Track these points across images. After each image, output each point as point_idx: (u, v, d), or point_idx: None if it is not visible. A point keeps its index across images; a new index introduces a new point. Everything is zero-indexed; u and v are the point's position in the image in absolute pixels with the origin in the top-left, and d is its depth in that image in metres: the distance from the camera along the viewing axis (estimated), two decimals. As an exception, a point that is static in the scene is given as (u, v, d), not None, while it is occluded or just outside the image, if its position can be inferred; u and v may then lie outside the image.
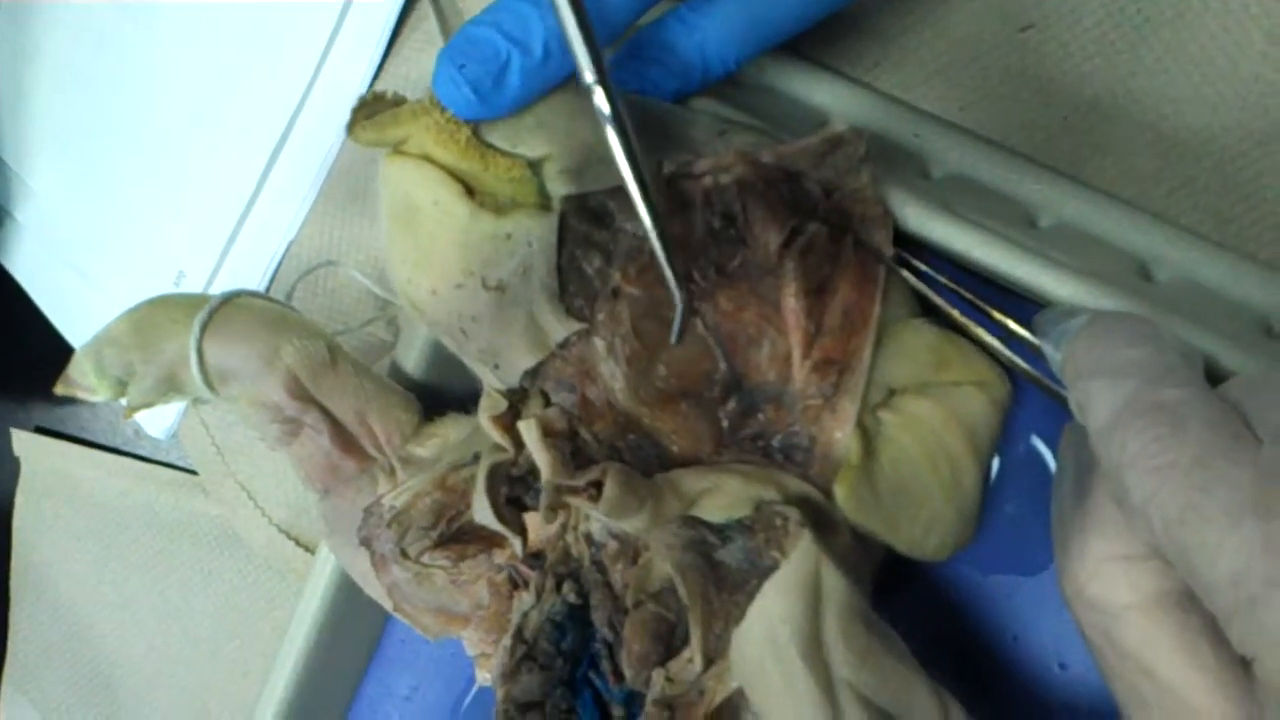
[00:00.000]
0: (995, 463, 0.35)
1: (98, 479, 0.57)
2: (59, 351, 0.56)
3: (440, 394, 0.41)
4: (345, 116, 0.45)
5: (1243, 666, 0.25)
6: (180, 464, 0.55)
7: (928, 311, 0.33)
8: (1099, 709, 0.34)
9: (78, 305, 0.55)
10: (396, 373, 0.42)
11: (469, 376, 0.40)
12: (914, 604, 0.35)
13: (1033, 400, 0.34)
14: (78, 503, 0.58)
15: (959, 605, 0.36)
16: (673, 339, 0.30)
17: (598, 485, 0.28)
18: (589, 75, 0.27)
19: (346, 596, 0.43)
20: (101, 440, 0.58)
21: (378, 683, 0.46)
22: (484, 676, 0.40)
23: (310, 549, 0.50)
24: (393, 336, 0.47)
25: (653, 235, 0.29)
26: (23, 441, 0.60)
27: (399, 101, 0.31)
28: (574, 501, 0.29)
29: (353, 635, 0.45)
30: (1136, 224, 0.33)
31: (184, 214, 0.51)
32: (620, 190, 0.30)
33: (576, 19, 0.27)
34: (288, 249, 0.49)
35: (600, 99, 0.28)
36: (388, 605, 0.40)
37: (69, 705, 0.60)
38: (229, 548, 0.53)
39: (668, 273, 0.29)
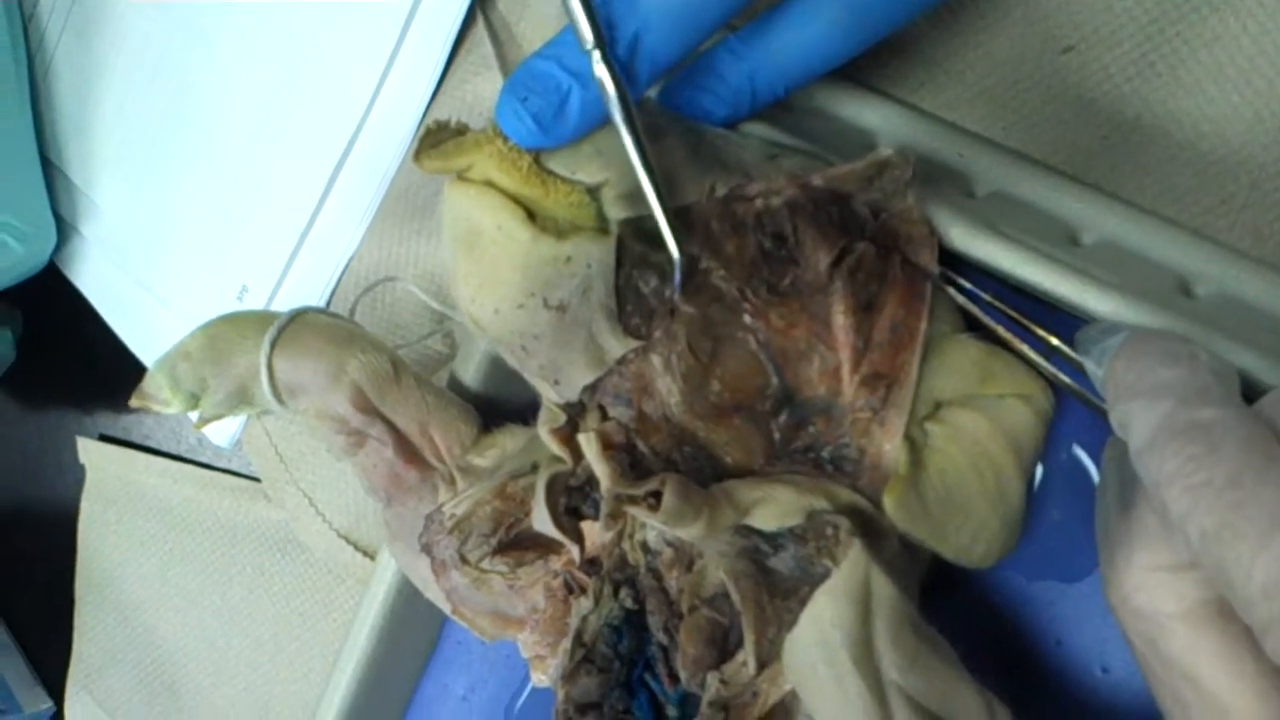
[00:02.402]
0: (1039, 471, 0.36)
1: (161, 485, 0.59)
2: (123, 363, 0.58)
3: (497, 405, 0.42)
4: (404, 136, 0.47)
5: (1280, 675, 0.26)
6: (242, 471, 0.57)
7: (972, 327, 0.34)
8: (1141, 713, 0.35)
9: (142, 319, 0.57)
10: (455, 385, 0.43)
11: (525, 388, 0.42)
12: (960, 609, 0.36)
13: (1074, 410, 0.35)
14: (142, 509, 0.60)
15: (1004, 610, 0.36)
16: (675, 294, 0.32)
17: (656, 495, 0.30)
18: (588, 44, 0.29)
19: (406, 600, 0.45)
20: (165, 448, 0.60)
21: (435, 683, 0.48)
22: (539, 678, 0.41)
23: (369, 554, 0.52)
24: (450, 349, 0.49)
25: (653, 200, 0.31)
26: (88, 449, 0.62)
27: (462, 130, 0.33)
28: (633, 511, 0.30)
29: (412, 637, 0.46)
30: (1176, 240, 0.34)
31: (246, 230, 0.53)
32: (674, 214, 0.32)
33: None
34: (348, 264, 0.51)
35: (599, 64, 0.30)
36: (446, 608, 0.41)
37: (133, 705, 0.62)
38: (290, 552, 0.55)
39: (668, 234, 0.31)
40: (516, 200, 0.32)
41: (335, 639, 0.46)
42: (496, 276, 0.32)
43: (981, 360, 0.33)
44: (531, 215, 0.32)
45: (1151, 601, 0.27)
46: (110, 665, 0.62)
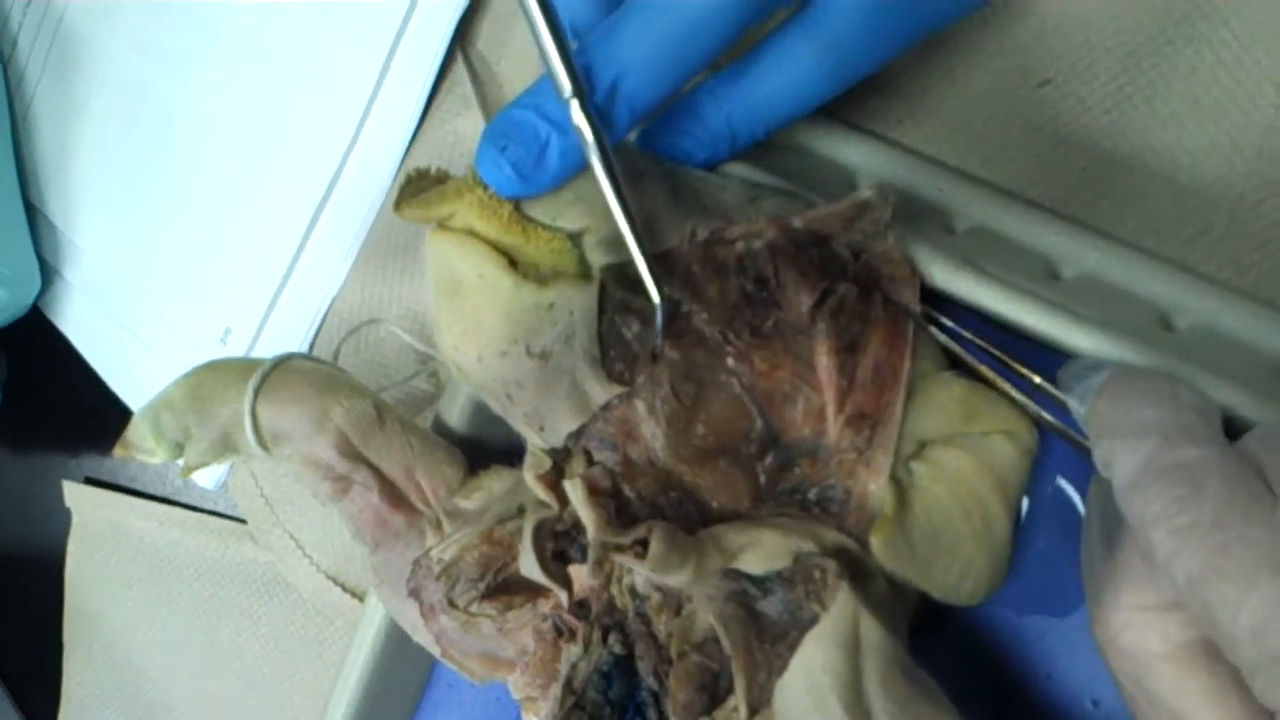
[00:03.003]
0: (1024, 505, 0.36)
1: (147, 528, 0.59)
2: (108, 405, 0.58)
3: (483, 446, 0.42)
4: (385, 176, 0.47)
5: (1268, 717, 0.26)
6: (228, 513, 0.57)
7: (955, 365, 0.34)
8: (1132, 746, 0.35)
9: (126, 361, 0.57)
10: (440, 426, 0.43)
11: (511, 429, 0.41)
12: (950, 645, 0.36)
13: (1058, 444, 0.35)
14: (128, 551, 0.60)
15: (993, 645, 0.36)
16: (658, 340, 0.32)
17: (643, 543, 0.30)
18: (566, 92, 0.30)
19: (396, 643, 0.45)
20: (151, 490, 0.60)
21: (425, 728, 0.48)
22: (530, 719, 0.41)
23: (356, 595, 0.51)
24: (435, 388, 0.49)
25: (633, 246, 0.31)
26: (74, 493, 0.61)
27: (443, 178, 0.33)
28: (620, 559, 0.30)
29: (401, 679, 0.46)
30: (1156, 273, 0.34)
31: (229, 272, 0.53)
32: (656, 259, 0.32)
33: (555, 40, 0.29)
34: (331, 305, 0.51)
35: (577, 114, 0.30)
36: (436, 652, 0.41)
37: (122, 750, 0.61)
38: (277, 594, 0.55)
39: (649, 282, 0.31)
40: (498, 248, 0.32)
41: (324, 680, 0.46)
42: (479, 324, 0.32)
43: (965, 398, 0.33)
44: (513, 263, 0.32)
45: (1138, 641, 0.27)
46: (100, 708, 0.62)
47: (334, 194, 0.50)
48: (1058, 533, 0.36)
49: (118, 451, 0.40)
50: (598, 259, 0.32)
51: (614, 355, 0.32)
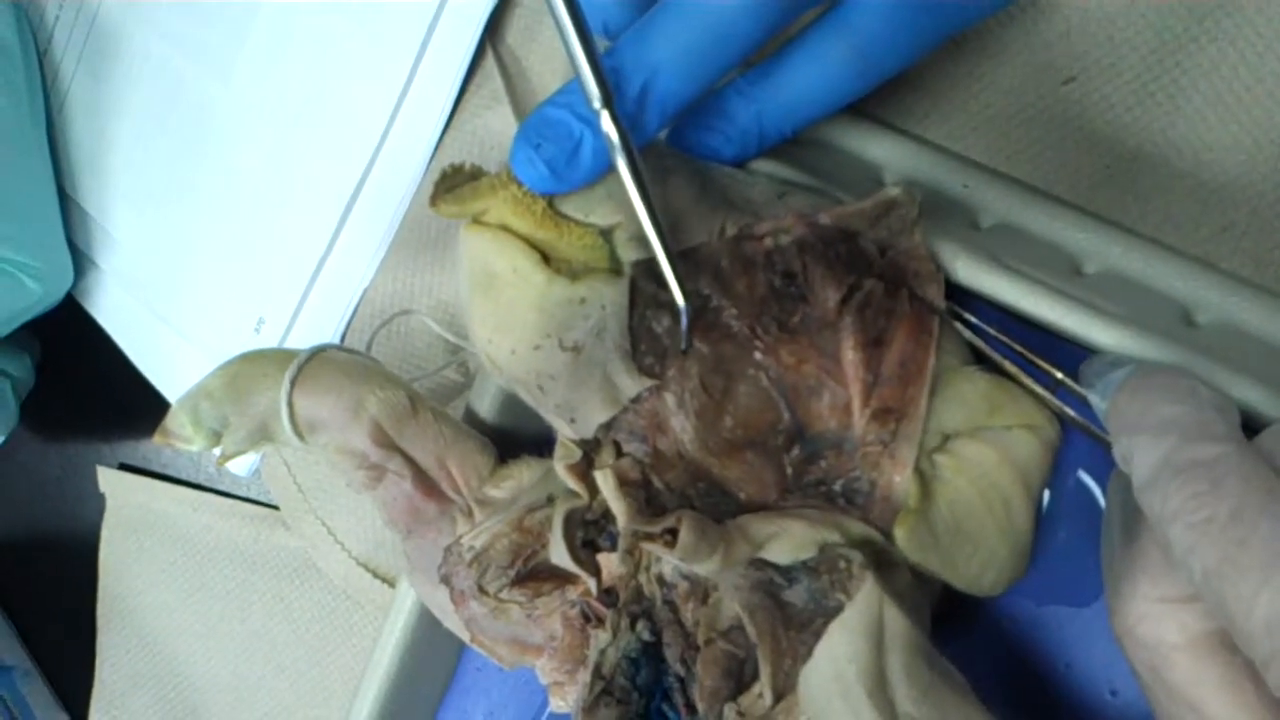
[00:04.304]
0: (1046, 498, 0.36)
1: (181, 514, 0.60)
2: (142, 393, 0.59)
3: (513, 436, 0.43)
4: (416, 169, 0.48)
5: (1284, 707, 0.26)
6: (261, 499, 0.58)
7: (979, 360, 0.35)
8: (1151, 735, 0.35)
9: (160, 350, 0.58)
10: (471, 416, 0.44)
11: (541, 419, 0.42)
12: (971, 635, 0.37)
13: (1080, 437, 0.35)
14: (162, 537, 0.61)
15: (1014, 635, 0.37)
16: (682, 345, 0.32)
17: (673, 532, 0.30)
18: (596, 101, 0.30)
19: (426, 628, 0.45)
20: (184, 477, 0.61)
21: (455, 709, 0.48)
22: (557, 704, 0.42)
23: (387, 581, 0.52)
24: (465, 378, 0.49)
25: (661, 255, 0.31)
26: (108, 478, 0.63)
27: (477, 174, 0.34)
28: (650, 547, 0.31)
29: (431, 664, 0.47)
30: (1178, 269, 0.35)
31: (263, 262, 0.54)
32: (684, 254, 0.32)
33: (584, 49, 0.29)
34: (363, 296, 0.52)
35: (607, 123, 0.30)
36: (465, 637, 0.42)
37: (153, 733, 0.63)
38: (309, 579, 0.56)
39: (674, 284, 0.32)
40: (531, 244, 0.33)
41: (355, 665, 0.47)
42: (513, 318, 0.33)
43: (989, 393, 0.34)
44: (546, 258, 0.33)
45: (1156, 632, 0.28)
46: (132, 691, 0.63)
47: (366, 186, 0.51)
48: (1078, 525, 0.36)
49: (156, 439, 0.41)
50: (629, 254, 0.33)
51: (644, 349, 0.33)
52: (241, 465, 0.56)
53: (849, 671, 0.29)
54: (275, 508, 0.56)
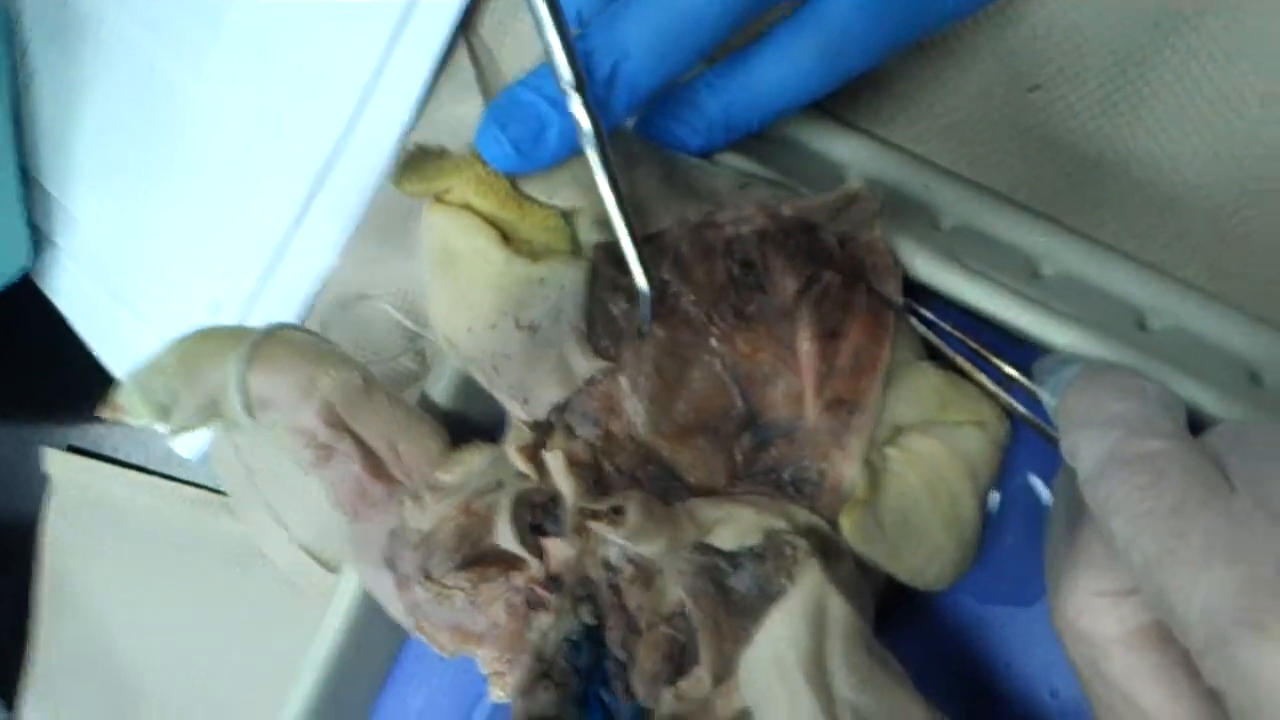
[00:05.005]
0: (995, 498, 0.36)
1: (128, 497, 0.59)
2: (93, 374, 0.58)
3: (466, 423, 0.43)
4: (384, 157, 0.48)
5: (1215, 698, 0.26)
6: (209, 484, 0.57)
7: (934, 356, 0.35)
8: (1089, 737, 0.35)
9: (115, 331, 0.57)
10: (425, 402, 0.43)
11: (494, 407, 0.42)
12: (913, 631, 0.37)
13: (1030, 440, 0.36)
14: (107, 520, 0.60)
15: (956, 633, 0.37)
16: (642, 329, 0.32)
17: (620, 510, 0.30)
18: (566, 83, 0.30)
19: (368, 614, 0.45)
20: (133, 460, 0.60)
21: (394, 696, 0.48)
22: (496, 694, 0.41)
23: (332, 568, 0.52)
24: (421, 367, 0.49)
25: (625, 239, 0.31)
26: (55, 460, 0.62)
27: (442, 154, 0.34)
28: (596, 526, 0.31)
29: (372, 651, 0.47)
30: (1133, 275, 0.35)
31: (223, 246, 0.53)
32: (646, 240, 0.32)
33: (557, 30, 0.29)
34: (323, 282, 0.51)
35: (576, 105, 0.30)
36: (408, 624, 0.42)
37: (92, 716, 0.61)
38: (254, 566, 0.55)
39: (637, 270, 0.32)
40: (493, 223, 0.33)
41: (297, 652, 0.46)
42: (471, 296, 0.33)
43: (941, 388, 0.34)
44: (507, 238, 0.33)
45: (1094, 625, 0.28)
46: (69, 676, 0.62)
47: (332, 174, 0.51)
48: (1025, 526, 0.36)
49: (103, 412, 0.40)
50: (590, 237, 0.33)
51: (600, 331, 0.33)
52: (189, 449, 0.55)
53: (789, 656, 0.29)
54: (223, 493, 0.56)
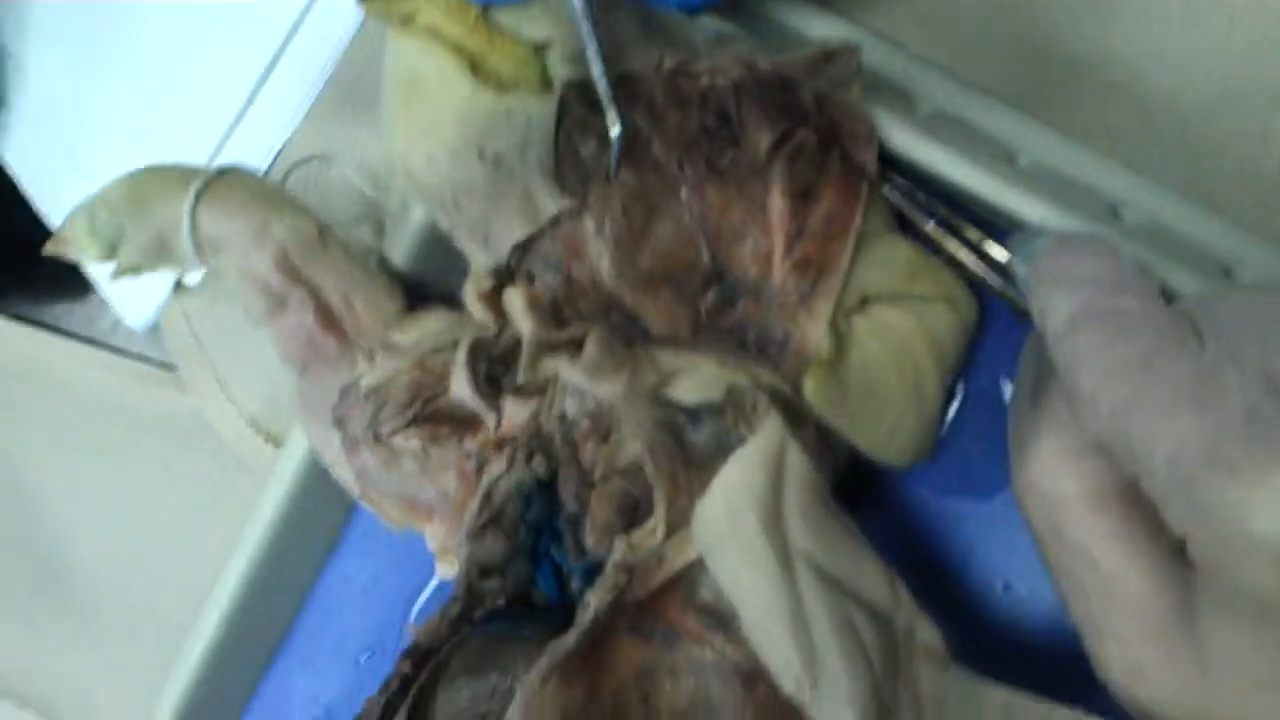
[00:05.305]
0: (960, 392, 0.36)
1: (69, 368, 0.57)
2: (42, 240, 0.56)
3: (423, 291, 0.42)
4: (349, 22, 0.47)
5: (1178, 557, 0.26)
6: (155, 358, 0.56)
7: (905, 229, 0.34)
8: (1038, 628, 0.35)
9: (66, 193, 0.55)
10: (383, 267, 0.42)
11: (453, 278, 0.41)
12: (867, 522, 0.36)
13: (1000, 341, 0.36)
14: (45, 391, 0.58)
15: (910, 525, 0.37)
16: (611, 171, 0.32)
17: (578, 345, 0.30)
18: None
19: (311, 486, 0.44)
20: (77, 331, 0.59)
21: (338, 573, 0.47)
22: (444, 570, 0.41)
23: (279, 444, 0.51)
24: (376, 240, 0.48)
25: (599, 76, 0.31)
26: (-3, 328, 0.60)
27: (413, -23, 0.32)
28: (554, 363, 0.30)
29: (315, 524, 0.46)
30: (1108, 170, 0.35)
31: (181, 109, 0.52)
32: (619, 81, 0.32)
33: None
34: (281, 150, 0.50)
35: None
36: (354, 490, 0.41)
37: (16, 592, 0.60)
38: (197, 443, 0.54)
39: (610, 109, 0.31)
40: (461, 50, 0.32)
41: (234, 532, 0.46)
42: (434, 124, 0.32)
43: (911, 259, 0.33)
44: (474, 67, 0.32)
45: (1055, 484, 0.27)
46: (-2, 549, 0.61)
47: (294, 39, 0.49)
48: (985, 423, 0.36)
49: (49, 248, 0.39)
50: (561, 72, 0.32)
51: (567, 171, 0.32)
52: (138, 318, 0.54)
53: (743, 503, 0.29)
54: (169, 368, 0.54)
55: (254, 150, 0.51)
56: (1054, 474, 0.27)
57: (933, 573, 0.37)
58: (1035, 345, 0.31)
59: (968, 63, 0.39)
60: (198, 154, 0.51)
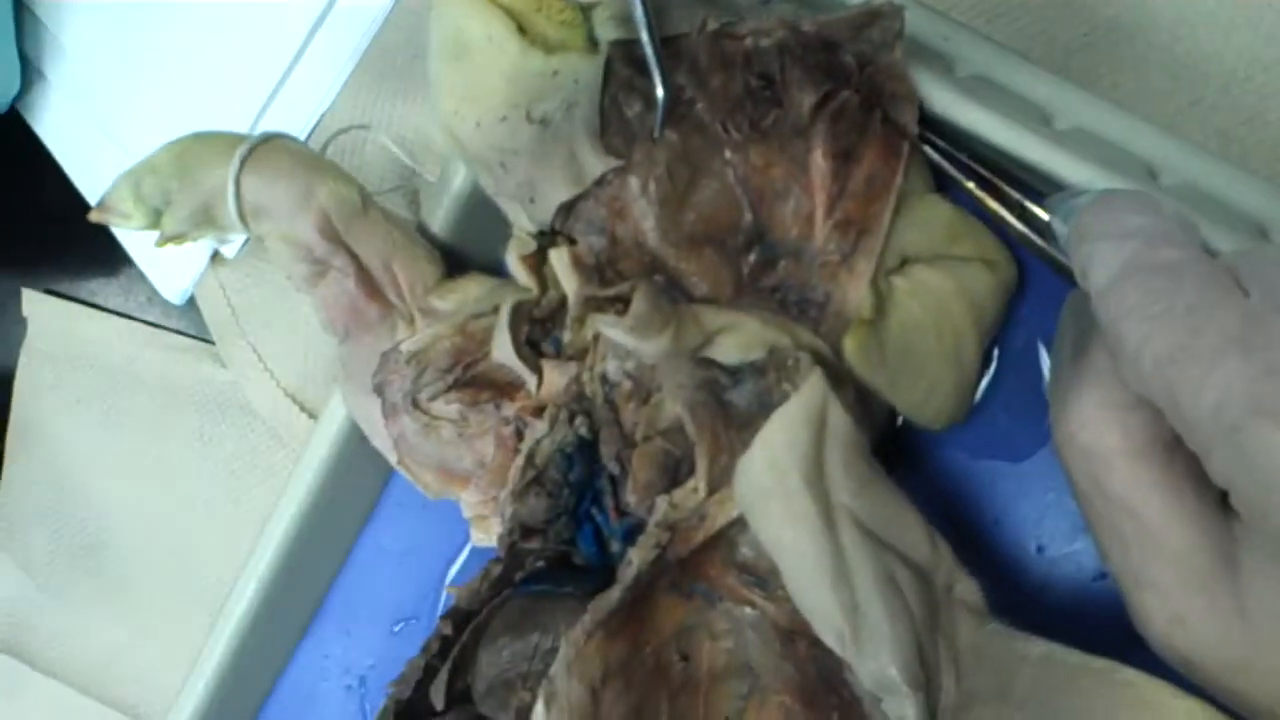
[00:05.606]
0: (996, 354, 0.36)
1: (106, 342, 0.58)
2: (77, 214, 0.57)
3: (462, 258, 0.42)
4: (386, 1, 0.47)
5: (1222, 509, 0.26)
6: (191, 332, 0.57)
7: (944, 191, 0.35)
8: (1072, 589, 0.36)
9: (103, 167, 0.56)
10: (422, 233, 0.43)
11: (490, 248, 0.42)
12: (903, 483, 0.37)
13: (1038, 303, 0.36)
14: (83, 365, 0.59)
15: (946, 486, 0.37)
16: (655, 132, 0.32)
17: (625, 302, 0.30)
18: None
19: (349, 454, 0.44)
20: (112, 306, 0.59)
21: (371, 544, 0.48)
22: (479, 537, 0.41)
23: (315, 416, 0.51)
24: (413, 213, 0.48)
25: (646, 37, 0.31)
26: (33, 301, 0.60)
27: (461, -60, 0.33)
28: (599, 320, 0.30)
29: (351, 494, 0.46)
30: (1147, 134, 0.35)
31: (218, 81, 0.52)
32: (664, 43, 0.32)
33: None
34: (320, 119, 0.51)
35: None
36: (392, 458, 0.41)
37: (53, 564, 0.61)
38: (233, 416, 0.54)
39: (655, 70, 0.31)
40: (509, 11, 0.32)
41: (269, 505, 0.46)
42: (482, 87, 0.32)
43: (951, 220, 0.33)
44: (521, 28, 0.32)
45: (1096, 438, 0.28)
46: (33, 524, 0.61)
47: (333, 8, 0.50)
48: (1021, 385, 0.36)
49: (94, 214, 0.40)
50: (607, 34, 0.32)
51: (613, 130, 0.32)
52: (174, 291, 0.55)
53: (786, 459, 0.29)
54: (205, 340, 0.55)
55: (293, 121, 0.51)
56: (1096, 428, 0.28)
57: (967, 534, 0.37)
58: (1075, 303, 0.31)
59: (1007, 28, 0.39)
60: (236, 125, 0.52)
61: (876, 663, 0.29)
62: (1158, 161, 0.35)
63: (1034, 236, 0.33)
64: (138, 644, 0.59)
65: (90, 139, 0.56)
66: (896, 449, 0.37)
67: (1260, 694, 0.25)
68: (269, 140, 0.38)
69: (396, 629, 0.48)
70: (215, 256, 0.53)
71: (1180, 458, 0.26)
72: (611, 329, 0.30)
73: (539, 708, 0.30)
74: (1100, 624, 0.35)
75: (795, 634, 0.32)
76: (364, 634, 0.48)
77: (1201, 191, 0.34)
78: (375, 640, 0.48)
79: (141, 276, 0.56)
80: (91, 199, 0.57)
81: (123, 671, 0.59)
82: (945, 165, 0.33)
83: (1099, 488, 0.28)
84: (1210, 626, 0.26)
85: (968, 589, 0.31)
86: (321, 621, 0.49)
